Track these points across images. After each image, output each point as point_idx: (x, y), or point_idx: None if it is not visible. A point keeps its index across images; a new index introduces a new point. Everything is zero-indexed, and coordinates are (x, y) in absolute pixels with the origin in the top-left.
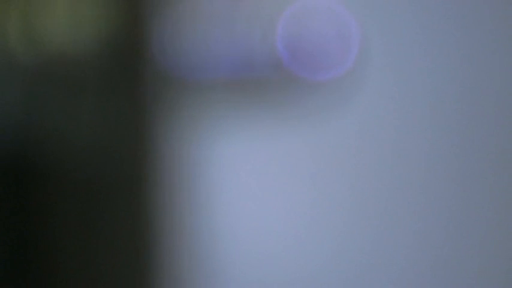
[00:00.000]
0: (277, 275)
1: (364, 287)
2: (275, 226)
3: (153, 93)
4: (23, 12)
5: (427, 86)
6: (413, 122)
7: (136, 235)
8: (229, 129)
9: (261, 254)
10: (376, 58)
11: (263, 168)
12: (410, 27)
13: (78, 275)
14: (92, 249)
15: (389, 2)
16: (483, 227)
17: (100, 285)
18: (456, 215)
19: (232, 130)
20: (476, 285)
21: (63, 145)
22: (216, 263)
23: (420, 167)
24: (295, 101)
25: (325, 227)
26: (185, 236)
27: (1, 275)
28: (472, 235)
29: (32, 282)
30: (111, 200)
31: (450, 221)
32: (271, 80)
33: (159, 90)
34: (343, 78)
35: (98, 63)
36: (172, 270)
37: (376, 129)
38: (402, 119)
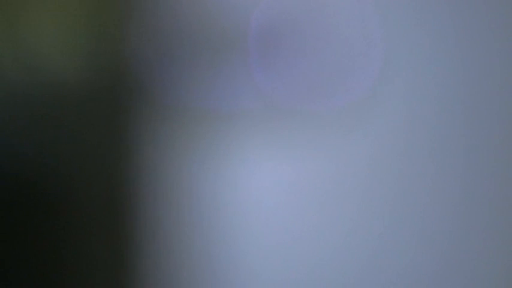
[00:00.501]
0: None
1: None
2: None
3: (138, 119)
4: (12, 37)
5: (437, 112)
6: (422, 145)
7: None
8: (216, 155)
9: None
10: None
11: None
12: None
13: (71, 278)
14: (85, 258)
15: (396, 21)
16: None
17: None
18: (464, 240)
19: (219, 157)
20: (478, 286)
21: (49, 170)
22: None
23: (428, 186)
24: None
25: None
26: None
27: None
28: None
29: (25, 284)
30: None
31: (457, 244)
32: (257, 110)
33: (144, 115)
34: (347, 109)
35: (85, 89)
36: (169, 275)
37: (384, 156)
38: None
